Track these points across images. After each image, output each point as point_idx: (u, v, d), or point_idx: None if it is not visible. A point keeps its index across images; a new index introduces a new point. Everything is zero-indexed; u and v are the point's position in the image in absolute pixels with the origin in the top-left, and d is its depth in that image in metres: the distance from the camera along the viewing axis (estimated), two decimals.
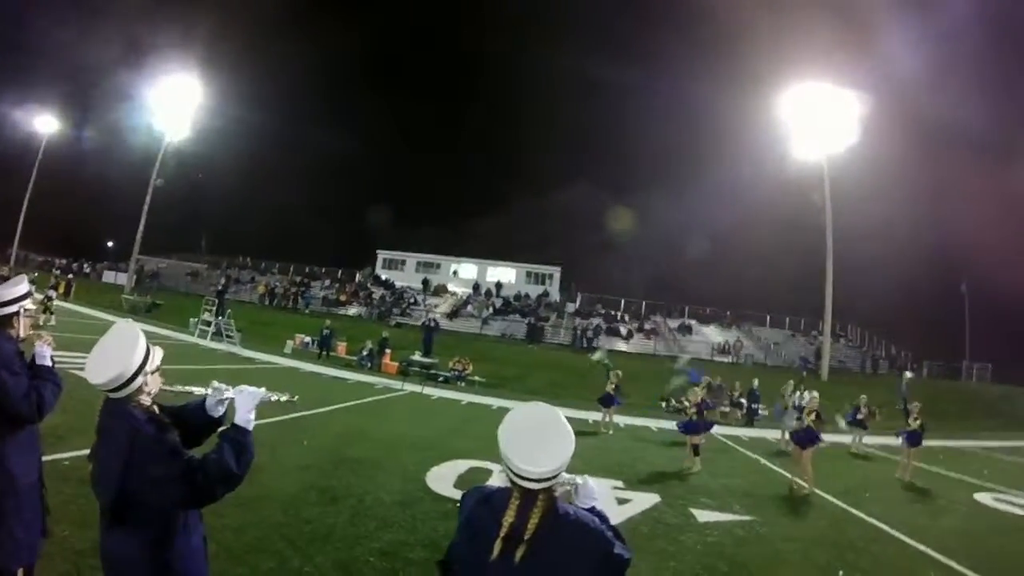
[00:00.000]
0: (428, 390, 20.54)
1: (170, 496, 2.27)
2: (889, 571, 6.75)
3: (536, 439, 1.98)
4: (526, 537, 1.89)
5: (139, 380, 2.38)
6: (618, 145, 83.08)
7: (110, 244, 61.83)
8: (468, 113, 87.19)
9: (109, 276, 51.81)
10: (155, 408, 2.47)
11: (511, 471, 1.97)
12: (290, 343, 28.12)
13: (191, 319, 27.90)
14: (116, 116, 48.46)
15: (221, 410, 2.60)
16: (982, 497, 11.44)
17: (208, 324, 25.95)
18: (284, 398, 2.69)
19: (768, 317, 48.02)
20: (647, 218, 59.22)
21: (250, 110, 54.69)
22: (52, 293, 23.63)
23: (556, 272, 54.45)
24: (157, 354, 2.50)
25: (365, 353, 26.78)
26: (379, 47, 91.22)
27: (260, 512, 5.86)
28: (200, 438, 2.64)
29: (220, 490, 2.29)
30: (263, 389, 2.51)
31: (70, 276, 42.03)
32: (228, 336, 25.40)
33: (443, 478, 8.43)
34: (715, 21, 53.14)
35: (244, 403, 2.44)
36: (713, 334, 44.70)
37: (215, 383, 2.58)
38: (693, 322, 46.56)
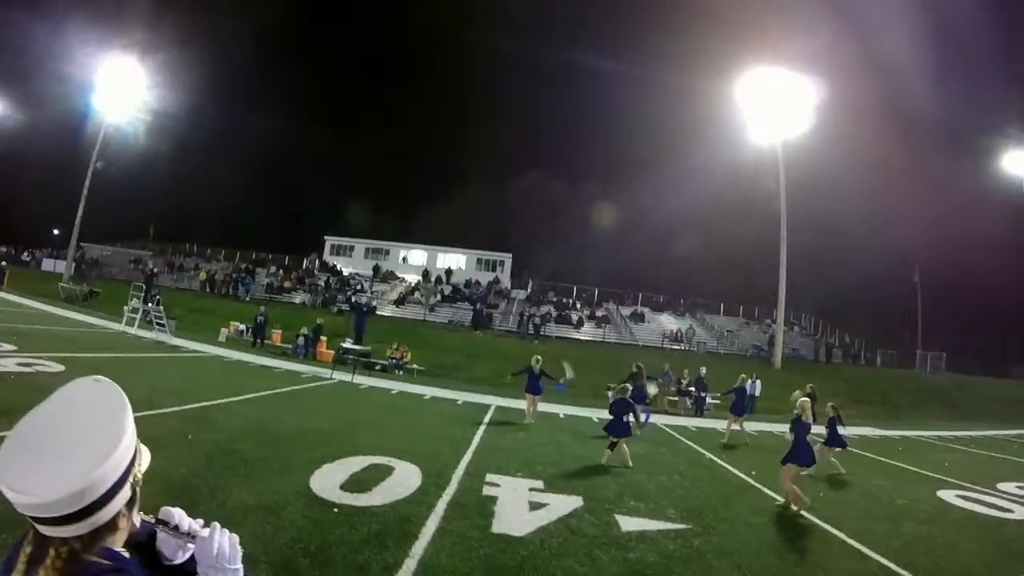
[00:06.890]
0: (359, 379, 19.13)
1: None
2: None
3: (37, 445, 1.08)
4: None
5: None
6: (573, 132, 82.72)
7: (55, 232, 59.10)
8: (419, 99, 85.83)
9: (48, 264, 49.48)
10: None
11: None
12: (224, 331, 27.14)
13: (124, 307, 26.12)
14: (56, 98, 45.76)
15: None
16: (946, 495, 10.44)
17: (136, 311, 24.35)
18: None
19: (721, 305, 47.98)
20: (601, 205, 58.69)
21: (199, 94, 52.39)
22: None
23: (507, 259, 53.45)
24: None
25: (300, 341, 25.30)
26: (328, 33, 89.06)
27: None
28: None
29: None
30: None
31: (3, 264, 40.80)
32: (158, 324, 23.70)
33: (332, 477, 7.30)
34: (668, 5, 52.44)
35: None
36: (666, 322, 44.10)
37: None
38: (646, 310, 45.95)
